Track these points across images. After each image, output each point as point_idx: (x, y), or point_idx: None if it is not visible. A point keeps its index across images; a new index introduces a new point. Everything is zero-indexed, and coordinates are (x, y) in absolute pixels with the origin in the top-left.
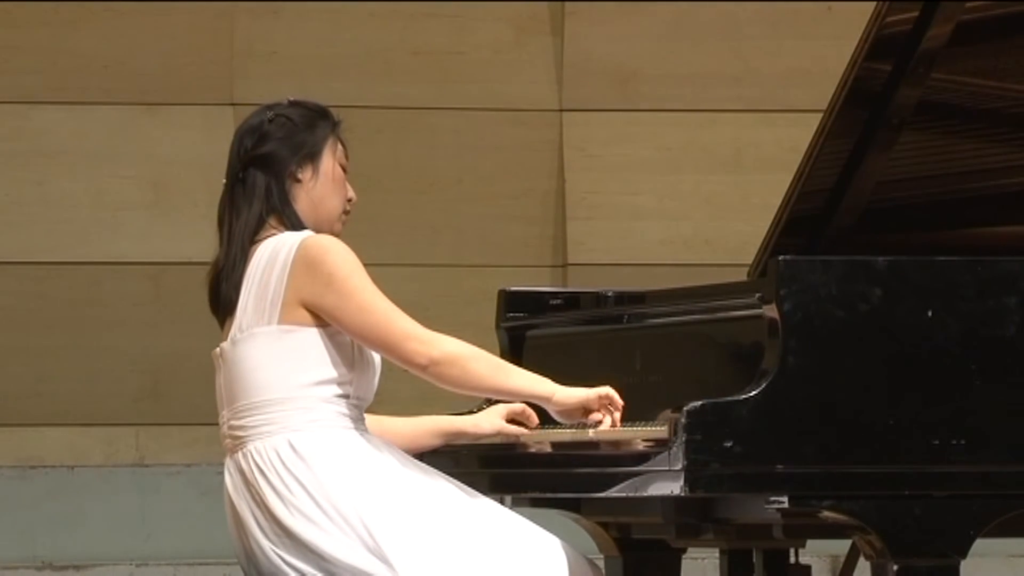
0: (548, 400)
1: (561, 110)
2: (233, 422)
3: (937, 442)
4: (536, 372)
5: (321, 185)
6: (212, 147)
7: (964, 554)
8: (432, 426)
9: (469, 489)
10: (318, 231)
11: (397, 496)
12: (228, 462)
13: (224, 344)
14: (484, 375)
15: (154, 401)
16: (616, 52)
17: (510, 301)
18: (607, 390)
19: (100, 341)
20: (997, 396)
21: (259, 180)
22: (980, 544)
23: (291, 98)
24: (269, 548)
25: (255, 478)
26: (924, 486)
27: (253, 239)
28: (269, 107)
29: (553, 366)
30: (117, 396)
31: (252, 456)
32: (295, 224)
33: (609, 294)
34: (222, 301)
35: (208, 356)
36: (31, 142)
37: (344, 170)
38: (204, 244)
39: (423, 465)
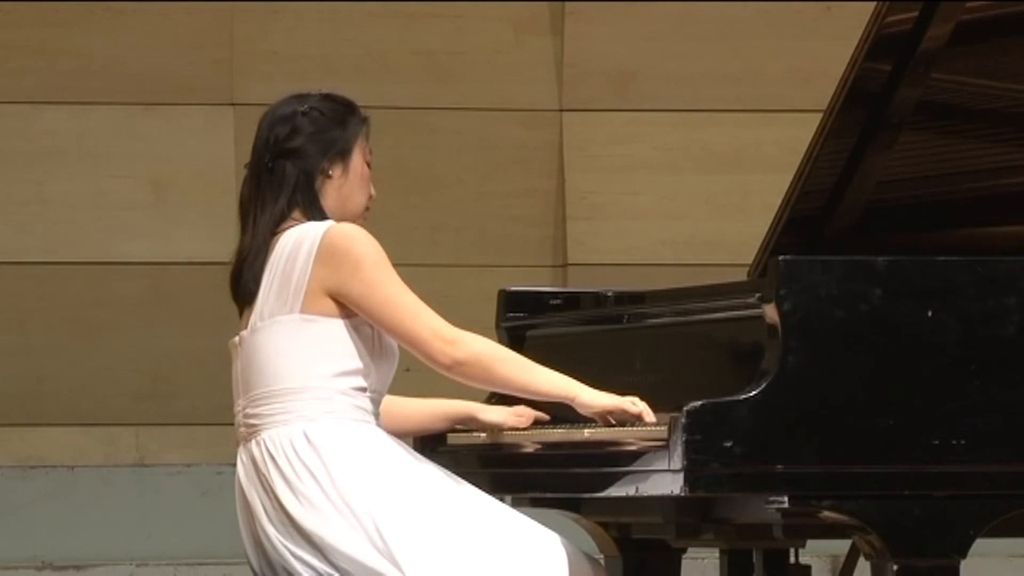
0: (572, 401)
1: (561, 110)
2: (249, 410)
3: (937, 442)
4: None
5: (350, 183)
6: (212, 147)
7: (964, 554)
8: (441, 409)
9: (473, 488)
10: None
11: (405, 494)
12: (241, 451)
13: (243, 332)
14: (508, 375)
15: (154, 401)
16: (616, 52)
17: (510, 301)
18: (639, 411)
19: (100, 341)
20: (997, 396)
21: (289, 172)
22: (980, 544)
23: (323, 91)
24: (276, 538)
25: (267, 466)
26: (924, 486)
27: (275, 230)
28: (301, 97)
29: (553, 366)
30: (117, 396)
31: (265, 444)
32: (319, 218)
33: (609, 294)
34: (242, 290)
35: (208, 356)
36: (31, 142)
37: (368, 165)
38: (204, 244)
39: (429, 463)
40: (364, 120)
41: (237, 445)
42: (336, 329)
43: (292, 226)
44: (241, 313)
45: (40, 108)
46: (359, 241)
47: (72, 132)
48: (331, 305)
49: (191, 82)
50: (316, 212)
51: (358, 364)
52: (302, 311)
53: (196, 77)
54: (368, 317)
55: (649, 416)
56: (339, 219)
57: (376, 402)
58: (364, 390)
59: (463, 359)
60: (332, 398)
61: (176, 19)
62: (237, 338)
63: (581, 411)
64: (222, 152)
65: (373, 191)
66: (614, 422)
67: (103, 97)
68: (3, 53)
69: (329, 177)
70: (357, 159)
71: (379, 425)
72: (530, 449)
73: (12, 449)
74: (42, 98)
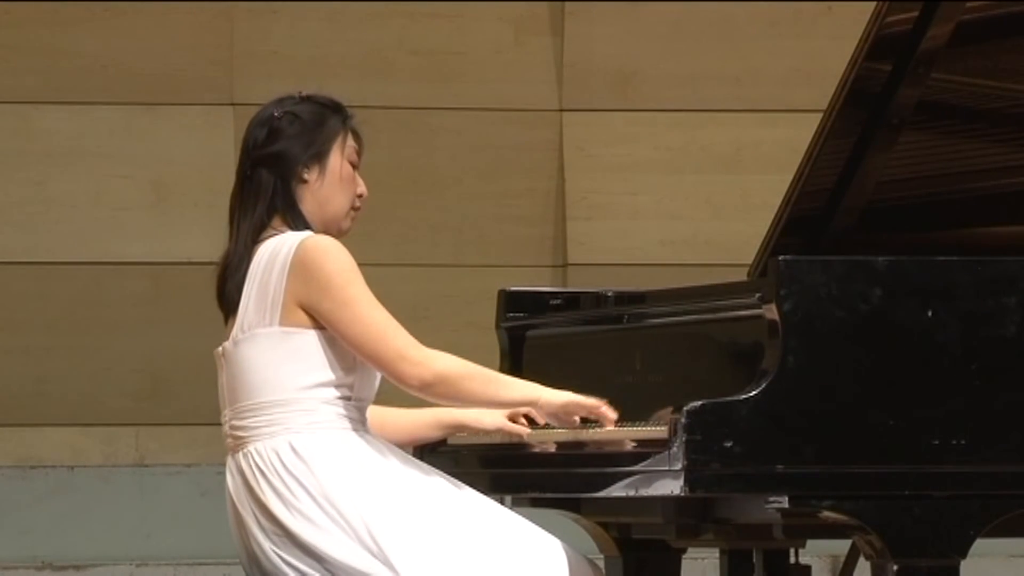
0: (535, 404)
1: (561, 110)
2: (235, 422)
3: (937, 442)
4: (536, 372)
5: (327, 185)
6: (212, 147)
7: (964, 554)
8: (433, 418)
9: (470, 490)
10: (325, 230)
11: (399, 498)
12: (229, 461)
13: (226, 344)
14: (475, 391)
15: (154, 401)
16: (616, 52)
17: (510, 301)
18: (596, 403)
19: (100, 341)
20: (997, 396)
21: (265, 180)
22: (980, 544)
23: (303, 92)
24: (270, 549)
25: (256, 480)
26: (924, 486)
27: (256, 238)
28: (281, 100)
29: (553, 366)
30: (117, 396)
31: (253, 457)
32: (299, 225)
33: (609, 294)
34: (226, 299)
35: (208, 356)
36: (31, 142)
37: (355, 165)
38: (204, 244)
39: (424, 466)
40: (345, 119)
41: (226, 454)
42: (316, 340)
43: (272, 235)
44: (226, 320)
45: (40, 108)
46: (330, 257)
47: (72, 132)
48: (307, 317)
49: (191, 82)
50: (295, 219)
51: (340, 374)
52: (281, 324)
53: (196, 77)
54: (337, 334)
55: (609, 415)
56: (320, 223)
57: (362, 409)
58: (349, 398)
59: (430, 380)
60: (316, 409)
61: (176, 19)
62: (221, 349)
63: (544, 413)
64: (222, 152)
65: (363, 189)
66: (577, 421)
67: (103, 97)
68: (3, 53)
69: (305, 181)
70: (335, 160)
71: (366, 431)
72: (530, 449)
73: (12, 449)
74: (42, 98)
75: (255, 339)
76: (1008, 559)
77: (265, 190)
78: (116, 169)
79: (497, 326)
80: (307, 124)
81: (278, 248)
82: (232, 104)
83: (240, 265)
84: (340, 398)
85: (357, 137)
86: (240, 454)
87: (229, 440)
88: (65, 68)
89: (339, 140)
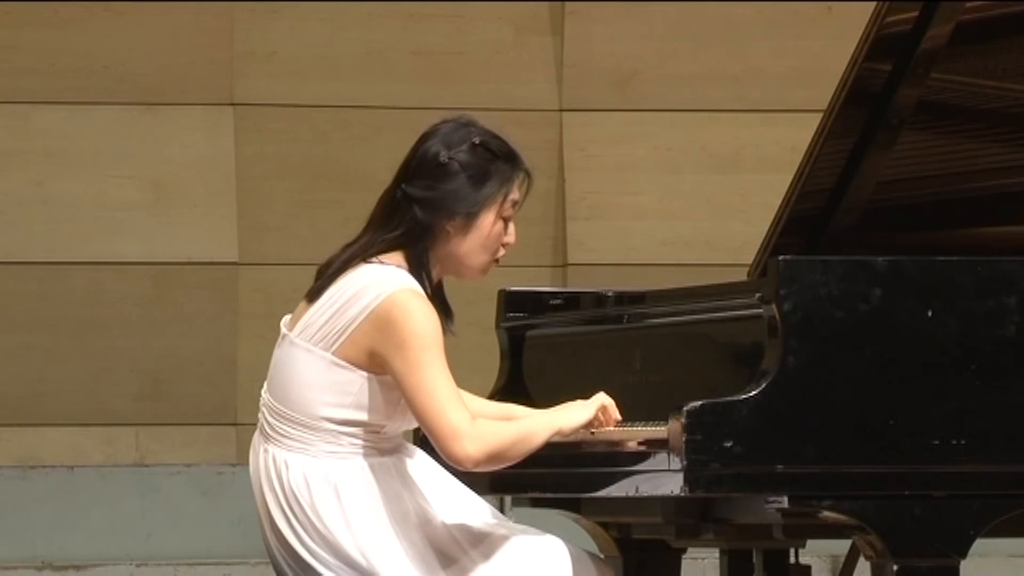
0: (559, 434)
1: (561, 110)
2: (266, 411)
3: (937, 442)
4: (536, 372)
5: (469, 241)
6: (212, 147)
7: (964, 554)
8: None
9: (469, 503)
10: (454, 275)
11: (400, 536)
12: (257, 437)
13: (291, 332)
14: (519, 454)
15: (154, 401)
16: (616, 52)
17: (510, 301)
18: (604, 403)
19: (100, 341)
20: (997, 396)
21: (408, 218)
22: (980, 544)
23: (478, 137)
24: (274, 543)
25: (270, 483)
26: (924, 486)
27: (366, 258)
28: (459, 129)
29: (553, 366)
30: (117, 396)
31: (271, 458)
32: (419, 268)
33: (609, 294)
34: (315, 285)
35: (208, 356)
36: (31, 142)
37: (509, 219)
38: (204, 244)
39: (426, 487)
40: (509, 179)
41: (252, 429)
42: (361, 381)
43: (378, 263)
44: (304, 298)
45: (40, 108)
46: (413, 318)
47: (72, 132)
48: (366, 359)
49: (191, 82)
50: (419, 263)
51: (373, 417)
52: (335, 353)
53: (196, 77)
54: (400, 393)
55: (613, 413)
56: (448, 270)
57: (391, 440)
58: (377, 434)
59: (481, 460)
60: (339, 440)
61: (176, 19)
62: (285, 330)
63: (566, 438)
64: (222, 152)
65: (511, 239)
66: (594, 430)
67: (103, 97)
68: (3, 53)
69: (447, 233)
70: (486, 220)
71: (383, 455)
72: None
73: (12, 449)
74: (42, 98)
75: (308, 354)
76: (1008, 559)
77: (402, 225)
78: (116, 169)
79: (497, 326)
80: (470, 179)
81: (370, 285)
82: (232, 104)
83: (336, 274)
84: (368, 432)
85: (526, 184)
86: (263, 446)
87: (261, 417)
88: (65, 68)
89: (499, 198)
